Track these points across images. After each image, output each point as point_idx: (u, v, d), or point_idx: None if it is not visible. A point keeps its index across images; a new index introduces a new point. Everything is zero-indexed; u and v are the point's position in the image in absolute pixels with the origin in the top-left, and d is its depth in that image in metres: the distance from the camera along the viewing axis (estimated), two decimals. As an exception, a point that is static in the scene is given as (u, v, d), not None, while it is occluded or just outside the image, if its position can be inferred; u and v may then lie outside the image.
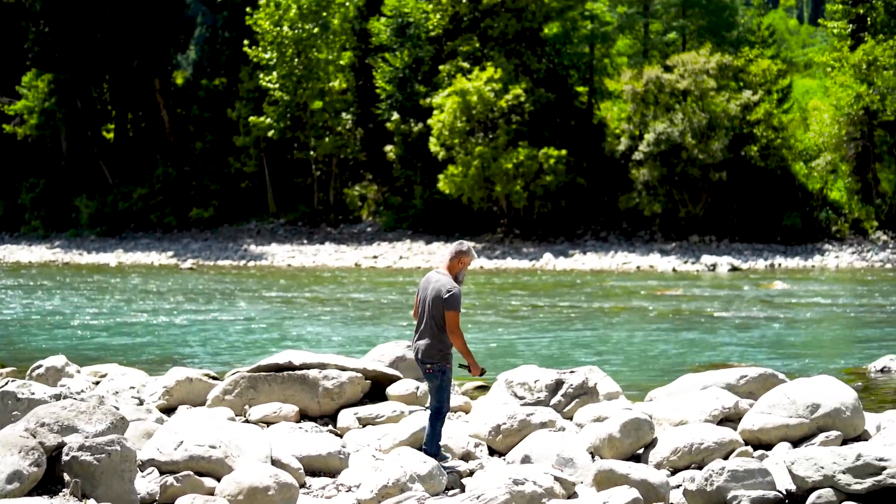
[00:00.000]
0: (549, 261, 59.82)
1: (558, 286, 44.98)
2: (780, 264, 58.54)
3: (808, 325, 30.32)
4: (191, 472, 9.60)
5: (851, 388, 12.65)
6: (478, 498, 8.81)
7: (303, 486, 10.49)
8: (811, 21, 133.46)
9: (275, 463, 10.25)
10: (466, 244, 11.37)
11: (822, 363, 21.71)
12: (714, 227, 64.53)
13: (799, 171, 65.97)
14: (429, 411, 11.23)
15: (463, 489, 10.56)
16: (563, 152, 63.61)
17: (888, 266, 57.74)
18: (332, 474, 10.99)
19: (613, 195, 66.51)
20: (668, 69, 64.33)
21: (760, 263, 58.34)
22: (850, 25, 66.22)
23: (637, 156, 62.78)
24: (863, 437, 12.34)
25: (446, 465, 11.09)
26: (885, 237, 62.73)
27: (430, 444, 11.06)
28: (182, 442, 10.06)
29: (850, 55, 62.88)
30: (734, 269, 55.01)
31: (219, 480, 9.68)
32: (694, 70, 62.79)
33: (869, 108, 60.99)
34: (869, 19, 64.93)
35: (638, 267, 57.30)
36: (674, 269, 55.80)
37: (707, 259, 56.85)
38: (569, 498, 10.18)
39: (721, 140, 61.29)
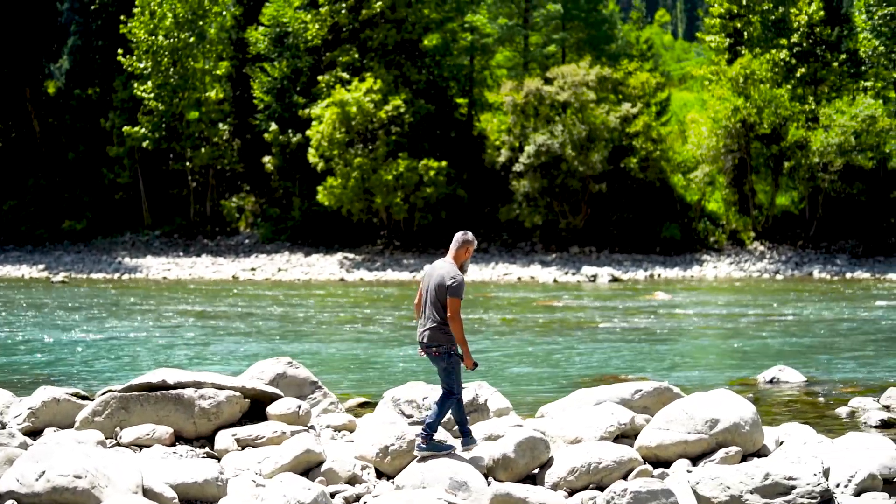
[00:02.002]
0: (430, 273, 59.20)
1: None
2: (659, 275, 58.87)
3: (693, 336, 30.20)
4: (53, 506, 8.75)
5: (749, 402, 12.28)
6: (368, 528, 8.14)
7: (177, 516, 9.71)
8: (686, 37, 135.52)
9: (146, 492, 9.43)
10: (470, 234, 11.68)
11: (712, 375, 21.46)
12: (594, 239, 64.77)
13: (677, 182, 66.58)
14: (440, 394, 11.47)
15: (350, 517, 9.89)
16: (444, 164, 63.38)
17: (765, 276, 58.38)
18: (210, 503, 10.18)
19: (494, 207, 66.42)
20: (548, 81, 64.41)
21: (640, 274, 58.61)
22: (728, 39, 67.09)
23: (517, 167, 62.72)
24: (762, 451, 12.04)
25: (333, 488, 10.43)
26: (761, 247, 63.49)
27: (432, 425, 11.25)
28: (44, 472, 9.14)
29: (727, 69, 63.68)
30: (614, 279, 55.07)
31: (84, 513, 8.85)
32: (574, 82, 62.95)
33: (746, 120, 61.67)
34: (746, 33, 65.80)
35: (519, 278, 57.13)
36: (555, 280, 55.69)
37: (588, 270, 56.87)
38: (463, 525, 9.57)
39: (601, 152, 61.54)
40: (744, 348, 26.65)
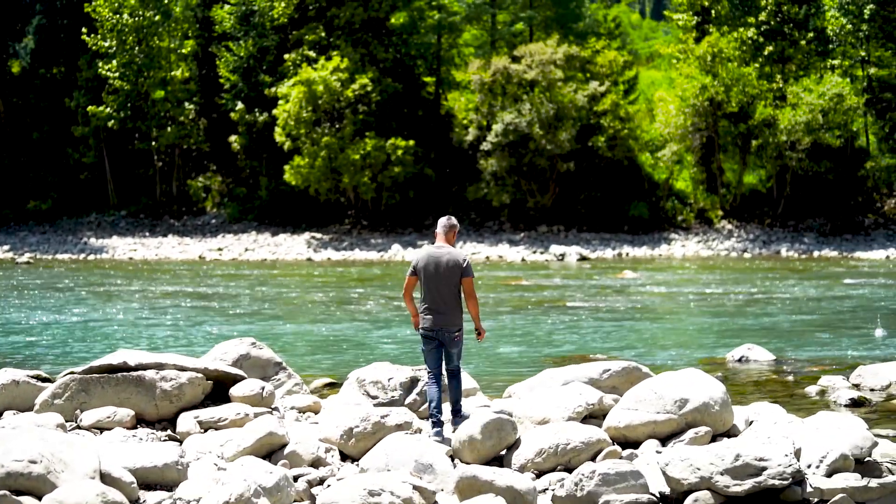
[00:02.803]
0: (397, 252, 59.20)
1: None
2: (627, 253, 58.90)
3: (662, 315, 30.12)
4: (7, 492, 8.44)
5: (719, 382, 12.13)
6: (330, 514, 7.92)
7: (136, 501, 9.40)
8: (653, 16, 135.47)
9: (104, 477, 9.16)
10: (454, 218, 12.12)
11: (680, 354, 21.35)
12: (562, 217, 64.66)
13: (645, 161, 66.54)
14: (450, 373, 11.86)
15: (313, 501, 9.65)
16: (411, 143, 63.15)
17: (733, 255, 58.47)
18: (170, 487, 9.92)
19: (462, 186, 66.21)
20: (515, 60, 64.16)
21: (608, 253, 58.62)
22: (696, 17, 66.99)
23: (485, 146, 62.53)
24: (732, 431, 11.90)
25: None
26: (729, 226, 63.54)
27: (459, 400, 11.90)
28: (-3, 457, 8.88)
29: (695, 47, 63.60)
30: (583, 258, 55.04)
31: (40, 500, 8.57)
32: (541, 61, 62.74)
33: (714, 99, 61.62)
34: (714, 11, 65.74)
35: (487, 257, 57.00)
36: (523, 259, 55.59)
37: (556, 249, 56.80)
38: (429, 509, 9.37)
39: (569, 131, 61.41)
40: (712, 327, 26.58)
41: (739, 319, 28.03)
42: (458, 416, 11.88)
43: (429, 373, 11.85)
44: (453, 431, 11.52)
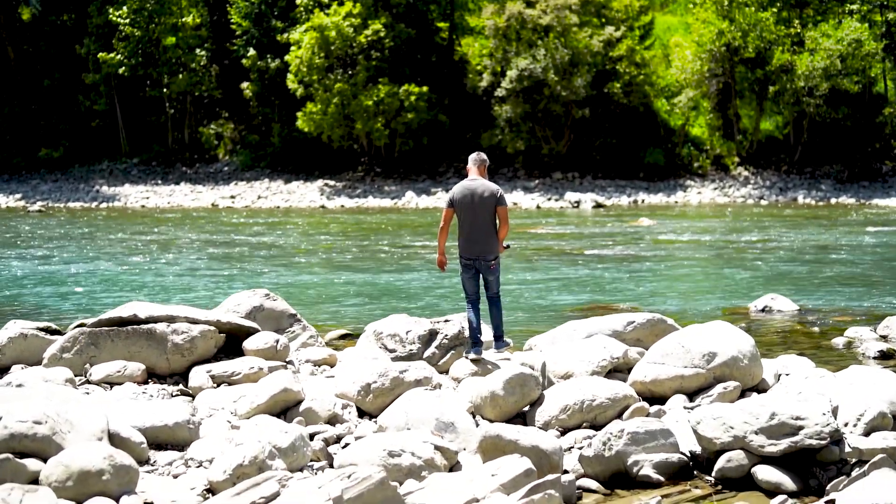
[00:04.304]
0: (411, 199, 58.84)
1: (420, 225, 43.89)
2: (643, 200, 58.46)
3: (680, 264, 29.71)
4: (10, 456, 8.04)
5: (747, 335, 11.75)
6: (349, 477, 7.54)
7: (146, 462, 9.03)
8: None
9: (113, 437, 8.78)
10: (482, 153, 12.64)
11: (702, 304, 20.94)
12: (577, 164, 64.15)
13: (661, 107, 65.87)
14: (490, 299, 12.41)
15: (331, 461, 9.28)
16: (425, 89, 62.63)
17: (749, 202, 58.00)
18: (181, 447, 9.54)
19: (476, 132, 65.63)
20: (530, 4, 63.39)
21: (624, 200, 58.17)
22: (713, -38, 65.89)
23: (499, 92, 61.96)
24: (760, 386, 11.59)
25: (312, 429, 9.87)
26: (746, 173, 62.94)
27: (500, 325, 12.43)
28: (0, 417, 8.49)
29: (712, -8, 62.67)
30: (598, 205, 54.63)
31: (45, 462, 8.21)
32: (556, 5, 62.02)
33: (730, 44, 60.91)
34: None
35: (502, 205, 56.46)
36: (538, 207, 55.19)
37: (571, 196, 56.40)
38: (451, 470, 8.99)
39: (584, 76, 60.84)
40: (733, 275, 26.16)
41: (760, 268, 27.60)
42: (499, 341, 12.43)
43: (467, 298, 12.48)
44: (496, 352, 12.41)
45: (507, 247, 12.58)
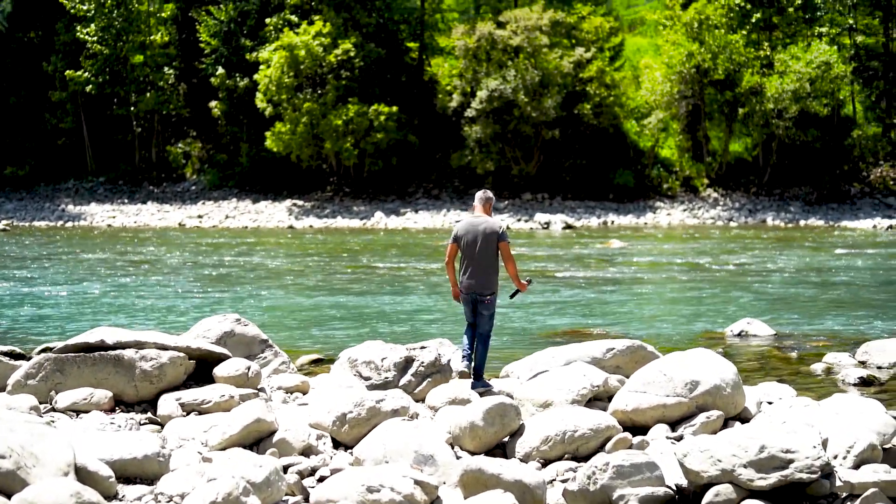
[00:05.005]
0: (380, 219, 58.59)
1: (390, 247, 43.60)
2: (613, 222, 58.39)
3: (654, 287, 29.52)
4: (-29, 491, 7.74)
5: (729, 363, 11.53)
6: (327, 514, 7.24)
7: (114, 497, 8.68)
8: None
9: (80, 471, 8.45)
10: (489, 191, 13.08)
11: (677, 328, 20.72)
12: (547, 185, 64.07)
13: (631, 129, 65.95)
14: (480, 336, 12.70)
15: (306, 496, 8.96)
16: (395, 109, 62.44)
17: (719, 223, 58.03)
18: (151, 480, 9.20)
19: (445, 153, 65.49)
20: (500, 25, 63.42)
21: (594, 221, 58.11)
22: (683, -16, 66.13)
23: (469, 113, 61.82)
24: (743, 415, 11.40)
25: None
26: (715, 194, 63.02)
27: (482, 366, 12.61)
28: (-38, 451, 8.13)
29: (681, 14, 62.94)
30: (568, 226, 54.50)
31: (9, 499, 7.86)
32: (527, 26, 62.01)
33: (700, 66, 61.06)
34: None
35: (471, 226, 56.22)
36: (508, 227, 54.96)
37: (541, 217, 56.28)
38: (431, 504, 8.71)
39: (554, 97, 60.78)
40: (706, 299, 25.98)
41: (733, 291, 27.43)
42: (478, 381, 12.50)
43: (467, 321, 12.81)
44: (472, 390, 12.16)
45: (530, 281, 13.04)
